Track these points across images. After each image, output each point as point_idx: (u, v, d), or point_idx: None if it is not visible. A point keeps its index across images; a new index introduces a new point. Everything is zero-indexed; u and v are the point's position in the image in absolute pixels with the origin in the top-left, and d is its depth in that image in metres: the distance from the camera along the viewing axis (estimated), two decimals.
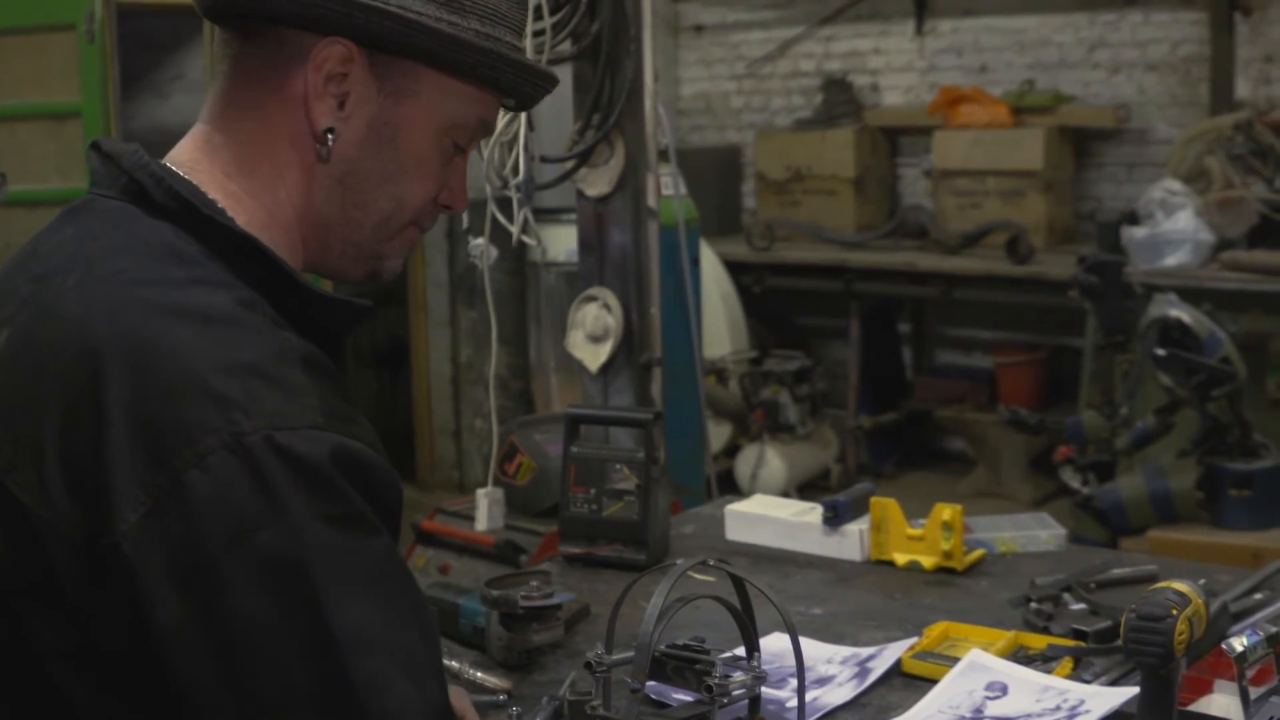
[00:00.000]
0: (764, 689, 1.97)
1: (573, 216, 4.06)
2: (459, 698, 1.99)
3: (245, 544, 1.30)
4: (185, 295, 1.40)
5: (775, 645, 2.32)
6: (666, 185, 5.17)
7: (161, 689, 1.34)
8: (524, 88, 1.63)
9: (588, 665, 1.93)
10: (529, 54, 3.54)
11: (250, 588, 1.30)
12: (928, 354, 8.94)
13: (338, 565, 1.33)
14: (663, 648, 1.92)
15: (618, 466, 2.88)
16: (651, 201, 3.85)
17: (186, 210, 1.48)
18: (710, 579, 2.40)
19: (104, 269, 1.44)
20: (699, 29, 9.56)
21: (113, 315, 1.39)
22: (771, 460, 7.51)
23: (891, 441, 8.47)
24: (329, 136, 1.53)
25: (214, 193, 1.52)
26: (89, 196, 1.54)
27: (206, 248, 1.47)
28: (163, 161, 1.55)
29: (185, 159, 1.56)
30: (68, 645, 1.37)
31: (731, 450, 7.79)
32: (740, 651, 1.96)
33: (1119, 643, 1.82)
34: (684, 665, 1.92)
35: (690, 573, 1.88)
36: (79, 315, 1.40)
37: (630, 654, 1.85)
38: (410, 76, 1.54)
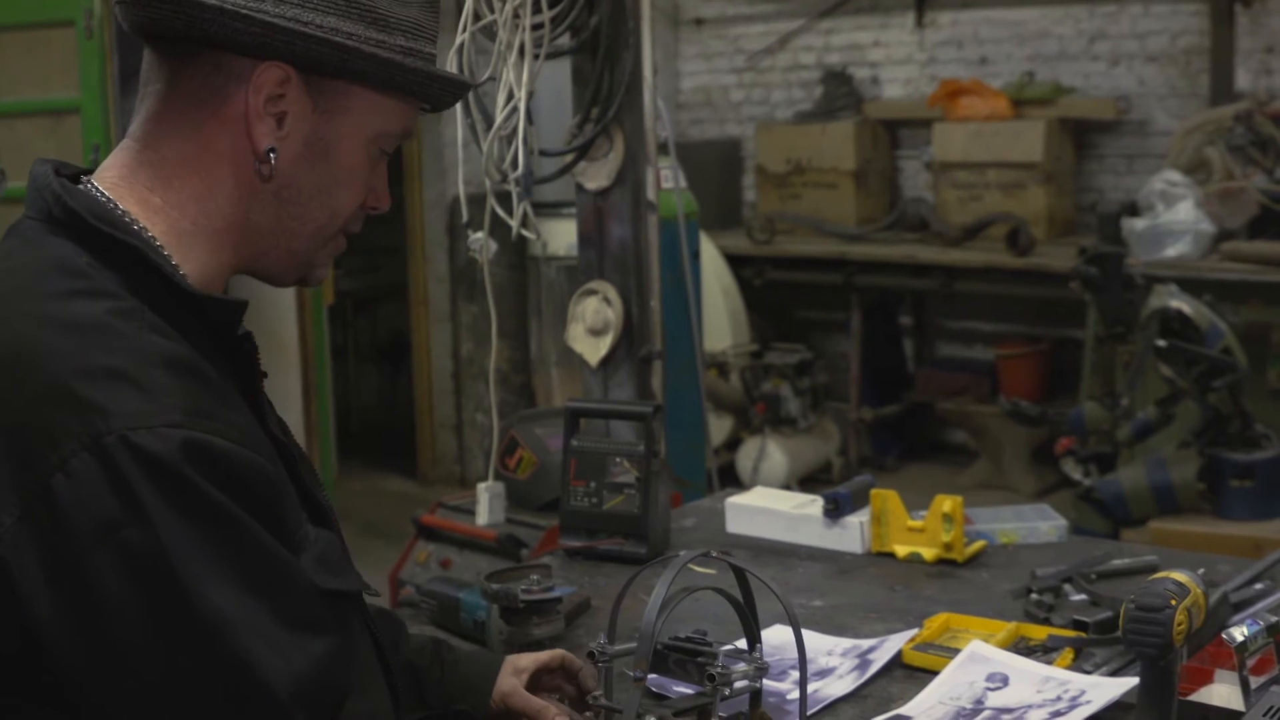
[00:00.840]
0: (765, 681, 1.96)
1: (573, 210, 4.06)
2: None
3: (108, 541, 1.37)
4: (63, 307, 1.47)
5: (776, 638, 2.33)
6: (666, 178, 5.17)
7: (56, 688, 1.42)
8: (444, 97, 1.72)
9: (590, 655, 1.93)
10: (527, 49, 3.55)
11: (117, 582, 1.37)
12: (929, 346, 8.94)
13: (195, 554, 1.39)
14: (665, 640, 1.92)
15: (618, 460, 2.89)
16: (651, 195, 3.85)
17: (78, 224, 1.53)
18: (711, 571, 2.41)
19: (1, 289, 1.52)
20: (699, 22, 9.55)
21: None
22: (773, 453, 7.51)
23: (893, 434, 8.47)
24: (271, 155, 1.59)
25: (132, 206, 1.57)
26: (19, 219, 1.60)
27: (99, 260, 1.52)
28: (89, 178, 1.60)
29: (109, 175, 1.60)
30: None
31: (733, 443, 7.79)
32: (742, 644, 1.96)
33: (1119, 633, 1.82)
34: (686, 658, 1.92)
35: (691, 565, 1.88)
36: None
37: (632, 645, 1.85)
38: (341, 94, 1.61)
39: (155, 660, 1.39)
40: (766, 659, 1.95)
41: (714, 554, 1.94)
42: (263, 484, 1.48)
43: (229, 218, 1.61)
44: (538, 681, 2.10)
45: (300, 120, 1.60)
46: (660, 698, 2.04)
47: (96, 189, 1.58)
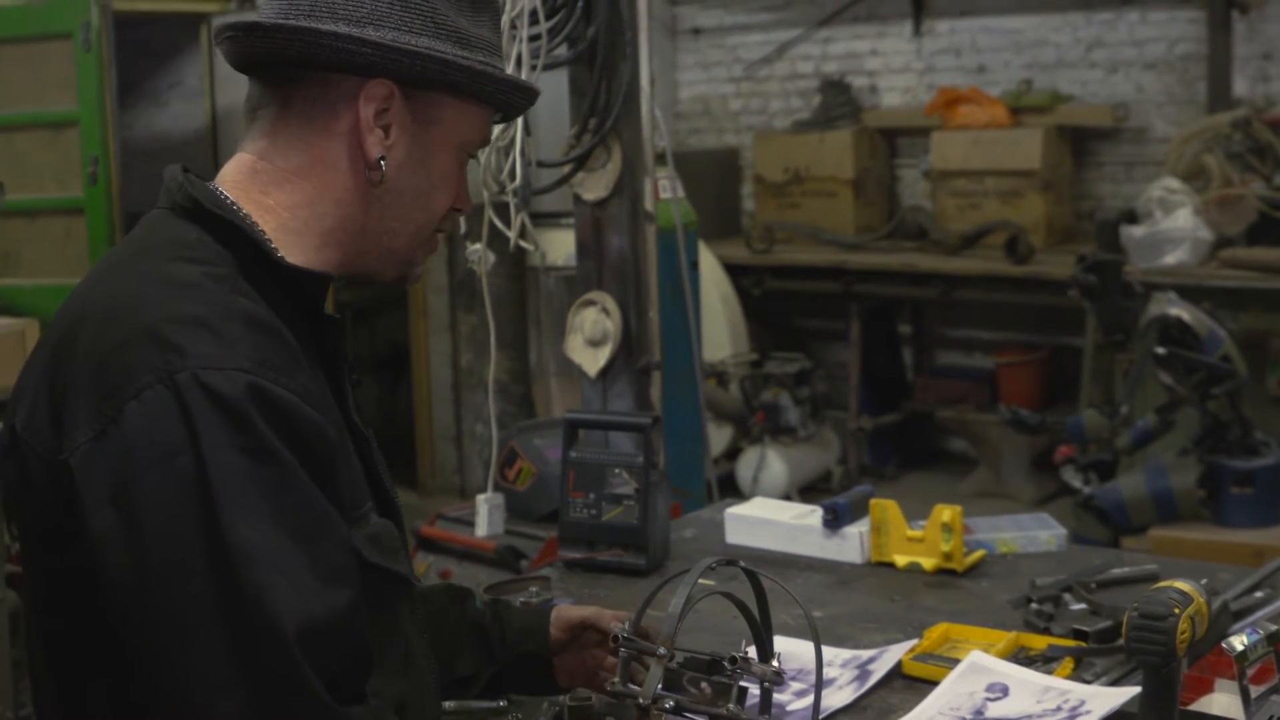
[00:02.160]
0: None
1: (572, 220, 4.06)
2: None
3: (165, 465, 1.51)
4: (166, 267, 1.65)
5: (778, 647, 2.32)
6: (664, 188, 5.17)
7: (101, 612, 1.57)
8: (520, 104, 1.91)
9: (613, 639, 1.91)
10: (525, 59, 3.55)
11: (162, 503, 1.51)
12: (928, 355, 8.93)
13: (240, 488, 1.51)
14: (678, 660, 1.90)
15: (617, 471, 2.88)
16: (649, 205, 3.85)
17: (196, 209, 1.72)
18: (711, 583, 2.40)
19: (118, 255, 1.76)
20: (696, 32, 9.56)
21: (106, 282, 1.68)
22: (773, 463, 7.51)
23: (893, 442, 8.46)
24: (382, 163, 1.76)
25: (247, 204, 1.75)
26: (150, 212, 1.80)
27: (215, 238, 1.70)
28: (211, 182, 1.77)
29: (229, 178, 1.78)
30: (57, 564, 1.63)
31: (733, 453, 7.78)
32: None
33: (1120, 642, 1.82)
34: (699, 676, 1.89)
35: (700, 579, 1.87)
36: (87, 288, 1.71)
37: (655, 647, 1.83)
38: (435, 105, 1.79)
39: (180, 581, 1.50)
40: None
41: (742, 565, 1.93)
42: (319, 441, 1.60)
43: (337, 218, 1.78)
44: (579, 637, 2.19)
45: (403, 131, 1.77)
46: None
47: (217, 188, 1.76)
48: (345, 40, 1.70)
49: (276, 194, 1.76)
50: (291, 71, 1.76)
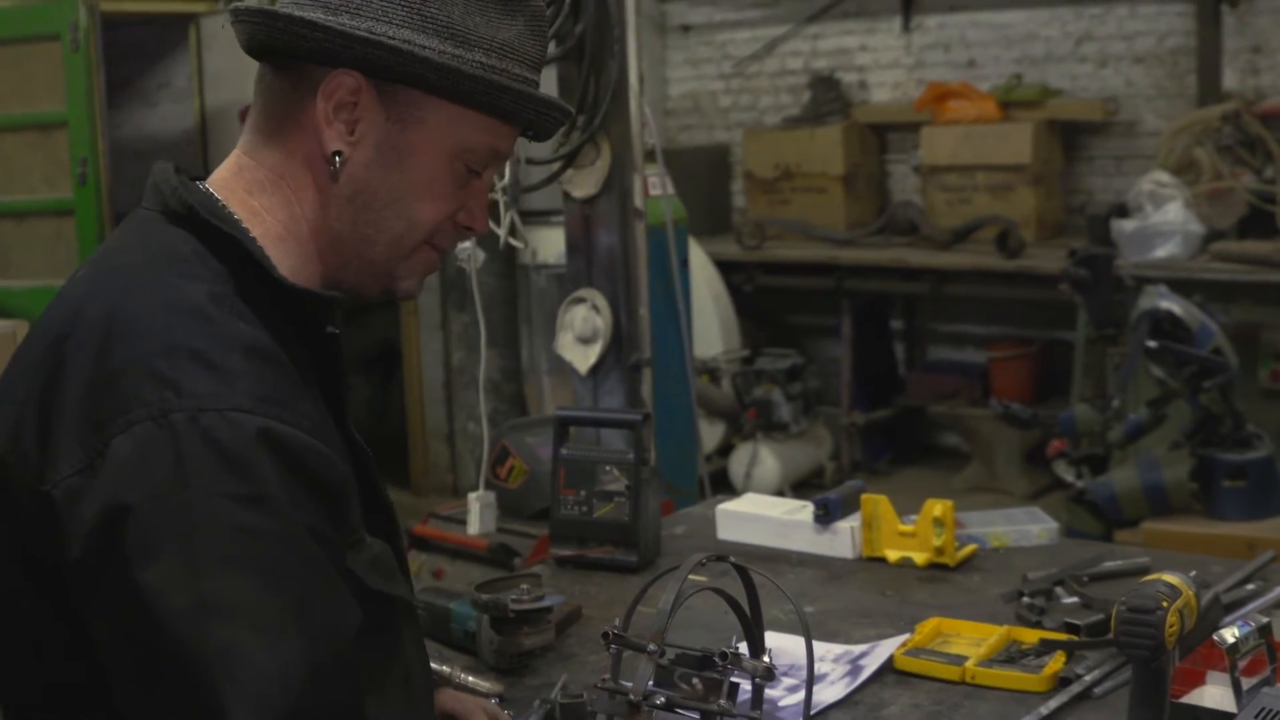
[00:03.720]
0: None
1: (562, 218, 4.06)
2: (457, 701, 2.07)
3: (150, 506, 1.43)
4: (162, 286, 1.57)
5: (770, 643, 2.32)
6: (654, 185, 5.15)
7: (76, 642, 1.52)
8: (527, 114, 1.74)
9: (604, 636, 1.89)
10: None
11: (143, 545, 1.43)
12: (920, 350, 8.94)
13: (225, 539, 1.44)
14: (669, 657, 1.89)
15: (608, 468, 2.88)
16: (638, 202, 3.85)
17: (191, 216, 1.64)
18: (701, 579, 2.40)
19: (110, 262, 1.66)
20: (686, 28, 9.55)
21: (99, 296, 1.58)
22: (765, 459, 7.50)
23: (885, 438, 8.47)
24: (337, 159, 1.67)
25: (237, 208, 1.68)
26: (137, 209, 1.72)
27: (206, 249, 1.62)
28: (202, 182, 1.71)
29: (219, 180, 1.72)
30: (34, 588, 1.55)
31: (725, 450, 7.78)
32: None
33: (1111, 635, 1.82)
34: (690, 672, 1.89)
35: (690, 575, 1.87)
36: (77, 296, 1.61)
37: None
38: (416, 105, 1.68)
39: (148, 626, 1.42)
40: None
41: (733, 561, 1.93)
42: (330, 473, 1.53)
43: (312, 223, 1.70)
44: None
45: (372, 127, 1.68)
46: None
47: (209, 191, 1.69)
48: (301, 25, 1.62)
49: (261, 196, 1.69)
50: (277, 60, 1.70)
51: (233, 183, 1.71)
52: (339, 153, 1.67)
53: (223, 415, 1.46)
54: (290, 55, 1.68)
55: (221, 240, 1.63)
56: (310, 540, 1.49)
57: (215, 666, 1.41)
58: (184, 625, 1.41)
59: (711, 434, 7.64)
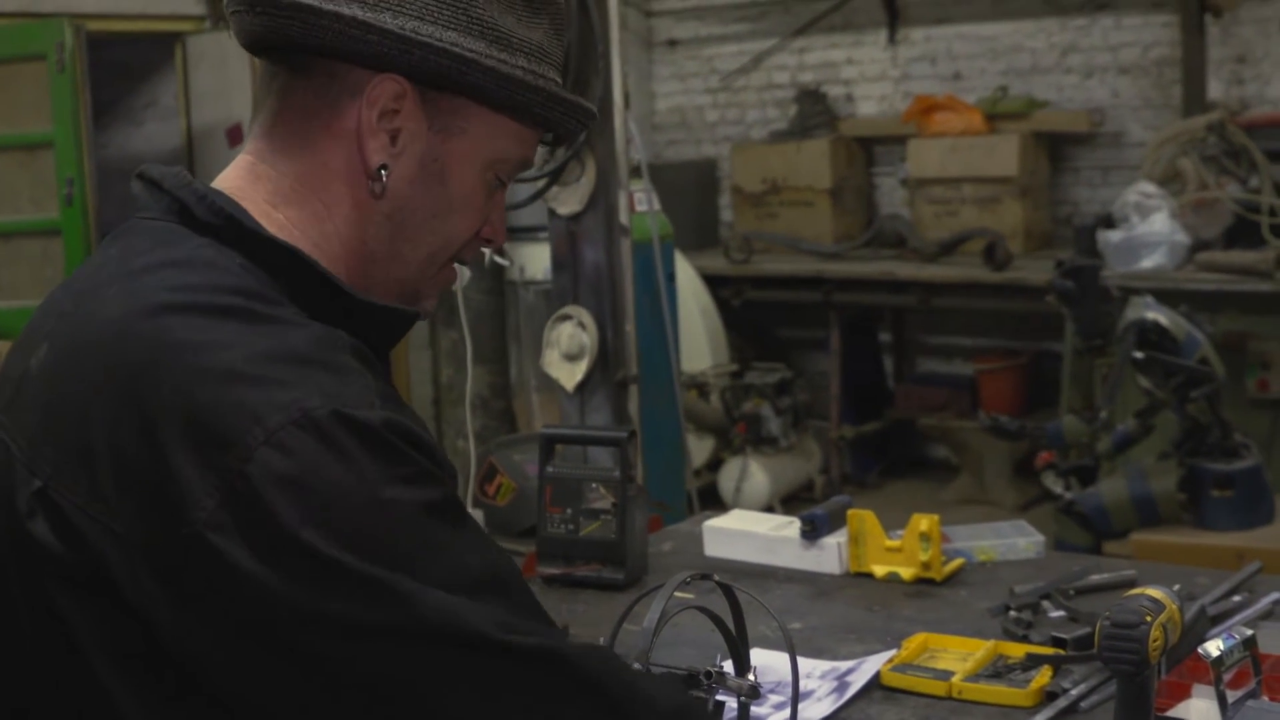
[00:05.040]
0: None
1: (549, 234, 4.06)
2: None
3: (328, 511, 1.30)
4: (223, 298, 1.41)
5: (754, 661, 2.32)
6: (640, 201, 5.17)
7: (225, 696, 1.36)
8: (568, 123, 1.64)
9: None
10: None
11: (337, 554, 1.30)
12: (908, 362, 8.95)
13: (417, 524, 1.35)
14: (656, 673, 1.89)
15: (594, 486, 2.88)
16: (624, 218, 3.85)
17: (230, 225, 1.49)
18: (690, 595, 2.40)
19: (145, 279, 1.45)
20: (672, 43, 9.57)
21: (153, 317, 1.40)
22: (755, 473, 7.51)
23: (875, 451, 8.47)
24: (383, 173, 1.53)
25: (261, 221, 1.51)
26: (131, 220, 1.55)
27: (250, 261, 1.47)
28: (211, 186, 1.56)
29: (231, 186, 1.55)
30: (124, 646, 1.37)
31: (715, 464, 7.78)
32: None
33: (1096, 649, 1.81)
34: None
35: (676, 593, 1.87)
36: (119, 319, 1.41)
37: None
38: (460, 114, 1.55)
39: (383, 641, 1.32)
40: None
41: (716, 579, 1.93)
42: (452, 475, 1.45)
43: (346, 242, 1.55)
44: None
45: (415, 138, 1.54)
46: None
47: (232, 200, 1.53)
48: (348, 24, 1.46)
49: (286, 210, 1.54)
50: (297, 58, 1.53)
51: (250, 192, 1.54)
52: (384, 166, 1.53)
53: (356, 410, 1.33)
54: (322, 54, 1.51)
55: (265, 249, 1.48)
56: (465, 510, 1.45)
57: (531, 649, 1.37)
58: (448, 619, 1.32)
59: (701, 449, 7.64)
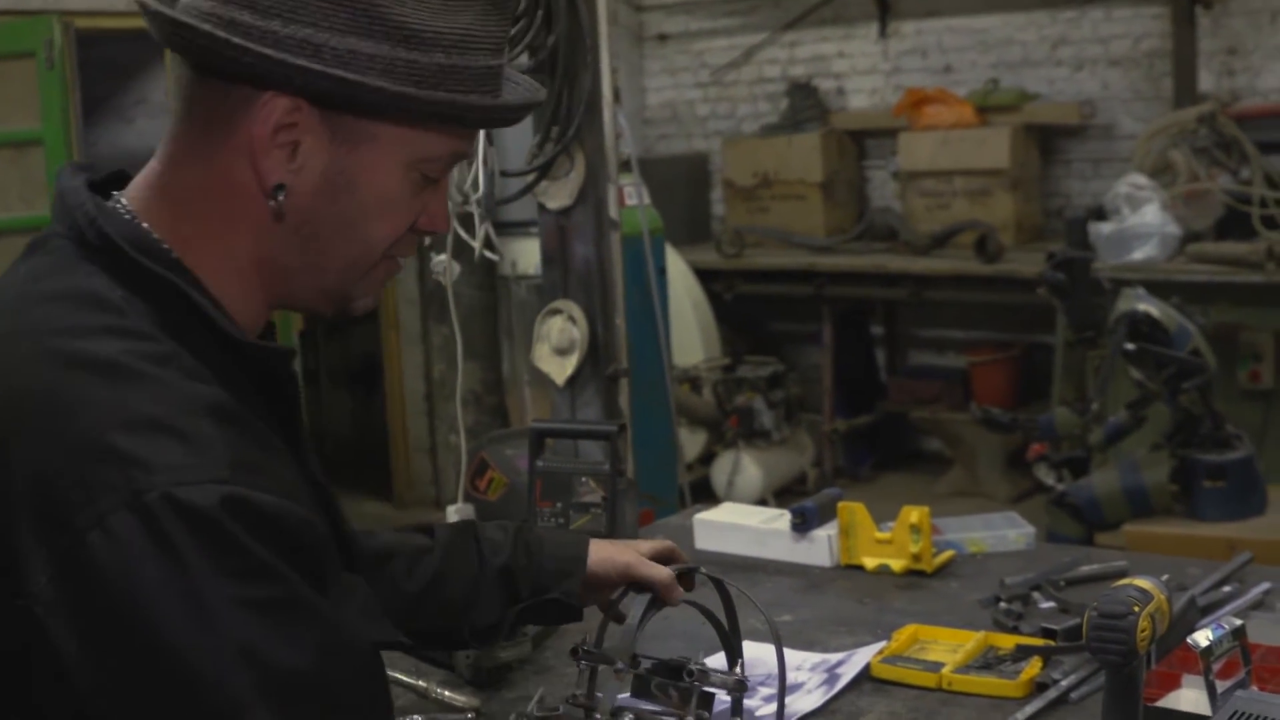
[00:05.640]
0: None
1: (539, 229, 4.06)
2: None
3: (147, 601, 1.27)
4: (97, 346, 1.36)
5: (746, 654, 2.32)
6: (630, 195, 5.17)
7: None
8: (491, 121, 1.56)
9: (573, 652, 1.89)
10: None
11: (155, 640, 1.27)
12: (900, 355, 8.95)
13: (244, 620, 1.29)
14: (646, 666, 1.89)
15: (584, 480, 2.87)
16: (613, 212, 3.85)
17: (113, 253, 1.43)
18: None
19: (33, 313, 1.42)
20: (663, 38, 9.56)
21: (22, 369, 1.37)
22: (747, 467, 7.51)
23: (867, 444, 8.48)
24: (279, 194, 1.45)
25: (164, 233, 1.46)
26: (48, 232, 1.50)
27: (135, 293, 1.42)
28: (120, 195, 1.49)
29: (138, 197, 1.49)
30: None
31: (708, 458, 7.79)
32: (714, 661, 1.94)
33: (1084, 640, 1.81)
34: (667, 682, 1.89)
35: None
36: (3, 357, 1.39)
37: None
38: (365, 122, 1.46)
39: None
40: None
41: (703, 571, 1.93)
42: (311, 539, 1.38)
43: (253, 254, 1.48)
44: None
45: (316, 151, 1.45)
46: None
47: (127, 210, 1.47)
48: (223, 45, 1.37)
49: (189, 221, 1.46)
50: (197, 64, 1.44)
51: (154, 204, 1.47)
52: (281, 186, 1.44)
53: (200, 488, 1.29)
54: (208, 71, 1.43)
55: (152, 283, 1.42)
56: (313, 598, 1.36)
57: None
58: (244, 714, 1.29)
59: (693, 442, 7.64)
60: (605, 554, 1.97)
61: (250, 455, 1.36)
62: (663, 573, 1.93)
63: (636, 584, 1.94)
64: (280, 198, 1.45)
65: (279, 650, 1.31)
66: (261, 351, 1.49)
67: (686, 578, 1.98)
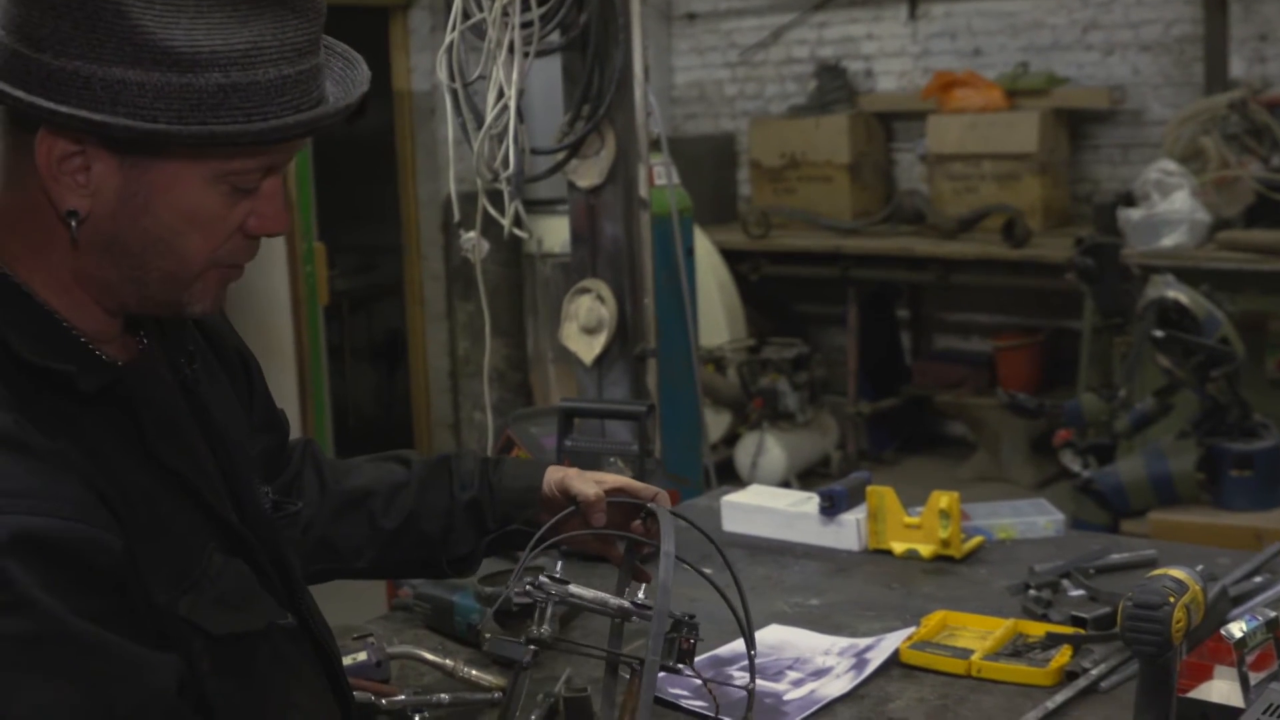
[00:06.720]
0: (761, 681, 1.95)
1: (568, 207, 4.04)
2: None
3: None
4: None
5: (772, 637, 2.31)
6: (659, 175, 5.15)
7: None
8: (270, 139, 1.46)
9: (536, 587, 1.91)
10: (517, 46, 3.52)
11: None
12: (926, 339, 8.93)
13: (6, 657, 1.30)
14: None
15: (612, 460, 2.87)
16: (643, 192, 3.83)
17: None
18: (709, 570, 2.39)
19: None
20: (692, 17, 9.53)
21: None
22: (771, 448, 7.50)
23: (891, 427, 8.46)
24: (72, 219, 1.44)
25: None
26: None
27: None
28: None
29: None
30: None
31: (731, 439, 7.78)
32: (730, 647, 1.94)
33: (1117, 629, 1.81)
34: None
35: (688, 567, 1.87)
36: None
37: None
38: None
39: None
40: (761, 659, 1.93)
41: (688, 566, 1.92)
42: (100, 556, 1.37)
43: (72, 270, 1.48)
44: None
45: (107, 175, 1.43)
46: None
47: None
48: None
49: (13, 240, 1.48)
50: None
51: None
52: (74, 212, 1.43)
53: None
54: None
55: None
56: (87, 628, 1.34)
57: None
58: None
59: (718, 423, 7.63)
60: (555, 477, 2.07)
61: (21, 482, 1.34)
62: (590, 491, 2.01)
63: (570, 498, 2.03)
64: (73, 223, 1.44)
65: (19, 691, 1.30)
66: (41, 372, 1.45)
67: (651, 521, 2.05)
